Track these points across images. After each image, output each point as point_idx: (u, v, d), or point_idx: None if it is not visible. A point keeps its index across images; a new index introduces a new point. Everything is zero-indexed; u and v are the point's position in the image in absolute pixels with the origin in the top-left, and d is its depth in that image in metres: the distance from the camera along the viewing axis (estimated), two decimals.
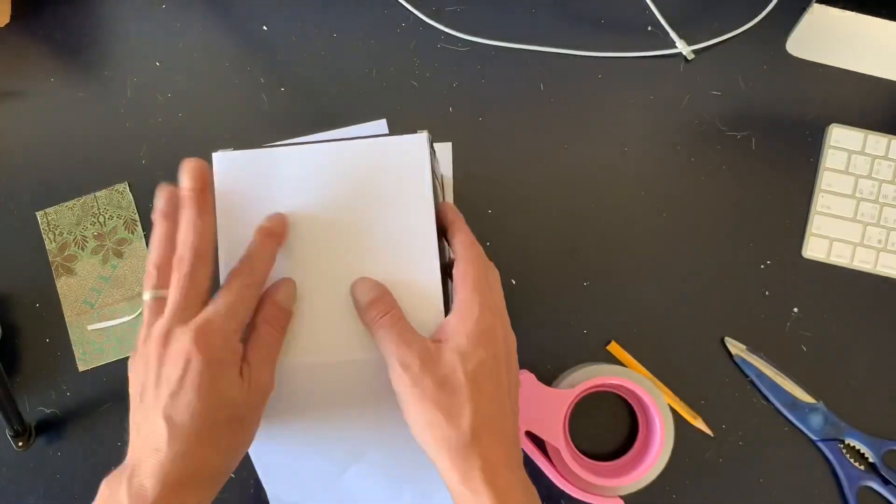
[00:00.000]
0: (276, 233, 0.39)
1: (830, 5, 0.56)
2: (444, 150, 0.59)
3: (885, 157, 0.57)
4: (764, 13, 0.59)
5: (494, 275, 0.42)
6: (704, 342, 0.57)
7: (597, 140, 0.59)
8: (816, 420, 0.54)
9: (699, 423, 0.55)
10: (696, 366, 0.56)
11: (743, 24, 0.59)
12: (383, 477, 0.46)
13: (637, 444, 0.55)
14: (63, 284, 0.59)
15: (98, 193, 0.60)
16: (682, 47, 0.59)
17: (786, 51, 0.59)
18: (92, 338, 0.58)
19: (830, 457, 0.54)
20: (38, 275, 0.59)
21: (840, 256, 0.57)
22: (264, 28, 0.62)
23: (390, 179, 0.41)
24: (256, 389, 0.37)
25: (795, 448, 0.55)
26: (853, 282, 0.57)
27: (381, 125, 0.58)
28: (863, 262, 0.57)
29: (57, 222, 0.60)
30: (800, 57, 0.59)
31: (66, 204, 0.60)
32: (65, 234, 0.60)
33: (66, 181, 0.60)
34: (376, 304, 0.39)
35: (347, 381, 0.42)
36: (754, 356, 0.55)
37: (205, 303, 0.37)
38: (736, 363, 0.56)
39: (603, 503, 0.51)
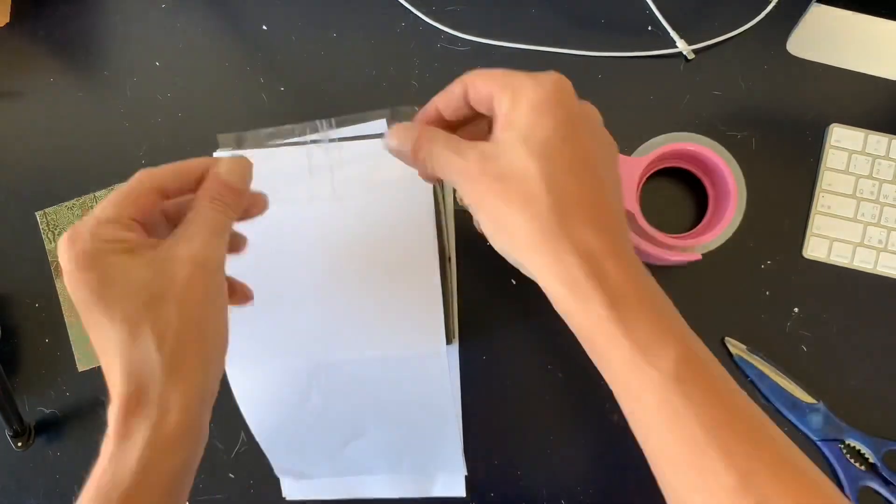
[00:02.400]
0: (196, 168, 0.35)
1: (831, 5, 0.56)
2: None
3: (886, 157, 0.57)
4: (764, 13, 0.59)
5: None
6: (705, 342, 0.56)
7: None
8: (816, 420, 0.54)
9: None
10: None
11: (743, 24, 0.59)
12: (384, 450, 0.47)
13: (707, 216, 0.56)
14: (63, 284, 0.59)
15: (98, 193, 0.60)
16: (682, 47, 0.59)
17: (786, 51, 0.59)
18: None
19: (830, 457, 0.54)
20: (38, 275, 0.59)
21: (840, 256, 0.57)
22: (264, 28, 0.62)
23: (390, 177, 0.41)
24: (185, 261, 0.32)
25: None
26: (853, 282, 0.57)
27: (381, 125, 0.58)
28: (863, 262, 0.56)
29: (57, 222, 0.60)
30: (800, 57, 0.59)
31: (66, 204, 0.60)
32: None
33: (66, 181, 0.60)
34: (420, 142, 0.33)
35: (347, 375, 0.42)
36: (754, 356, 0.55)
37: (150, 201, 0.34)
38: (736, 363, 0.56)
39: (682, 258, 0.53)
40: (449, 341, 0.41)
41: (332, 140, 0.43)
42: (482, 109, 0.34)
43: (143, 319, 0.31)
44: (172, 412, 0.31)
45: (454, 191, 0.59)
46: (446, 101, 0.35)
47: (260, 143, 0.43)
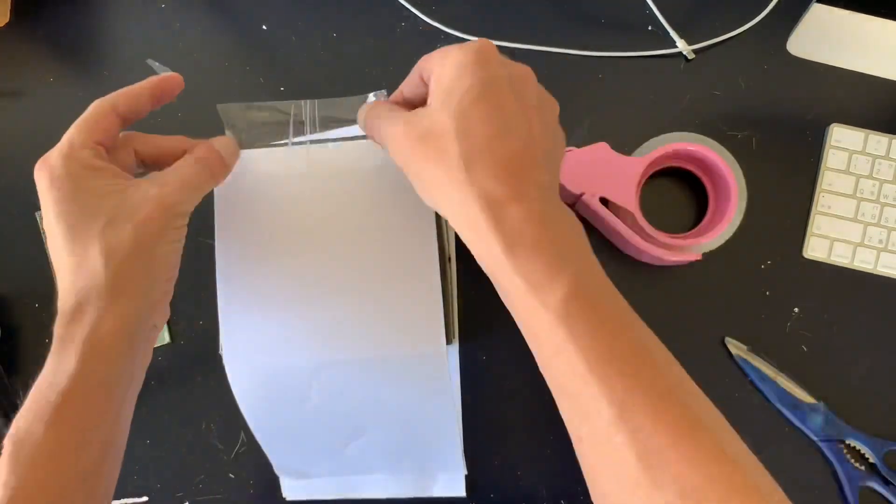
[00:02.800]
0: (163, 80, 0.39)
1: (831, 5, 0.56)
2: None
3: (886, 157, 0.57)
4: (764, 13, 0.59)
5: None
6: (704, 342, 0.57)
7: (596, 139, 0.59)
8: (816, 420, 0.54)
9: None
10: (696, 366, 0.56)
11: (743, 24, 0.59)
12: (384, 450, 0.47)
13: (707, 216, 0.56)
14: None
15: None
16: (682, 47, 0.59)
17: (786, 51, 0.59)
18: None
19: (831, 457, 0.54)
20: (38, 275, 0.59)
21: (841, 256, 0.57)
22: (264, 28, 0.62)
23: (389, 176, 0.41)
24: (151, 198, 0.34)
25: (795, 448, 0.55)
26: (854, 282, 0.57)
27: None
28: (863, 262, 0.56)
29: None
30: (800, 57, 0.59)
31: None
32: None
33: None
34: (369, 113, 0.37)
35: (347, 375, 0.42)
36: (755, 356, 0.55)
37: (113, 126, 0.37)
38: (736, 363, 0.56)
39: (682, 258, 0.53)
40: (449, 341, 0.41)
41: (333, 140, 0.43)
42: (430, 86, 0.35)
43: (96, 239, 0.33)
44: (108, 321, 0.33)
45: None
46: (408, 84, 0.38)
47: (244, 117, 0.43)
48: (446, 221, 0.48)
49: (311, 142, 0.44)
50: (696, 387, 0.31)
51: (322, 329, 0.41)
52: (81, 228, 0.33)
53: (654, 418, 0.29)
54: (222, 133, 0.49)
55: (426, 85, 0.35)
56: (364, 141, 0.42)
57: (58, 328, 0.34)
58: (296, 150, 0.42)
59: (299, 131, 0.42)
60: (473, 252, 0.32)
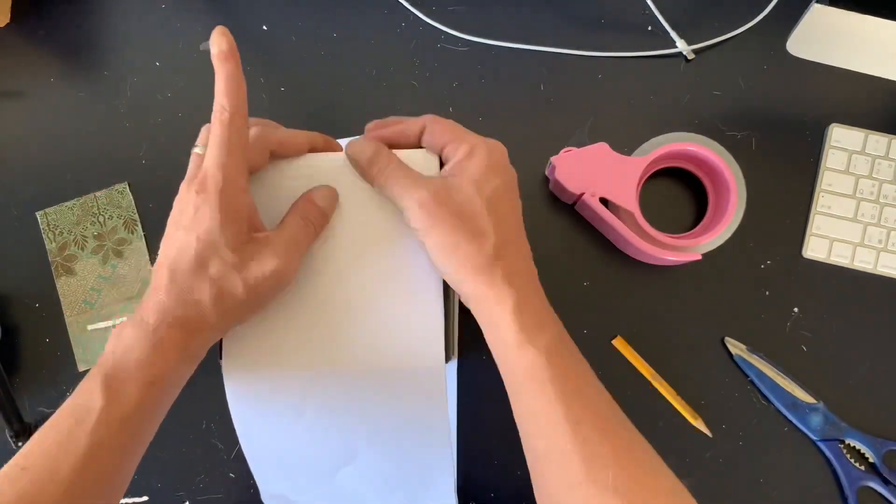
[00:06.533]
0: (227, 52, 0.39)
1: (831, 5, 0.56)
2: None
3: (886, 157, 0.57)
4: (764, 13, 0.59)
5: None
6: (704, 342, 0.57)
7: (596, 139, 0.59)
8: (816, 420, 0.54)
9: (699, 424, 0.55)
10: (696, 366, 0.56)
11: (743, 24, 0.59)
12: (375, 478, 0.46)
13: (707, 216, 0.57)
14: (63, 284, 0.59)
15: (98, 193, 0.60)
16: (682, 47, 0.59)
17: (786, 51, 0.59)
18: (92, 338, 0.58)
19: (830, 457, 0.54)
20: (38, 275, 0.59)
21: (840, 256, 0.57)
22: (264, 28, 0.62)
23: None
24: (266, 272, 0.37)
25: (795, 448, 0.55)
26: (853, 282, 0.57)
27: None
28: (863, 262, 0.56)
29: (57, 222, 0.60)
30: (800, 57, 0.59)
31: (66, 204, 0.60)
32: (65, 234, 0.60)
33: (66, 181, 0.60)
34: (377, 158, 0.40)
35: (341, 388, 0.42)
36: (754, 356, 0.55)
37: (243, 153, 0.38)
38: (736, 363, 0.56)
39: (682, 258, 0.53)
40: (448, 358, 0.41)
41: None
42: (431, 150, 0.41)
43: (214, 283, 0.36)
44: (204, 341, 0.38)
45: None
46: (402, 133, 0.42)
47: None
48: None
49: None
50: (633, 425, 0.39)
51: (321, 339, 0.40)
52: (214, 271, 0.36)
53: (601, 434, 0.36)
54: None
55: (415, 141, 0.41)
56: None
57: (177, 336, 0.36)
58: (309, 157, 0.42)
59: None
60: (478, 303, 0.39)
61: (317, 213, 0.40)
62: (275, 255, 0.37)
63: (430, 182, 0.39)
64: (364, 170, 0.40)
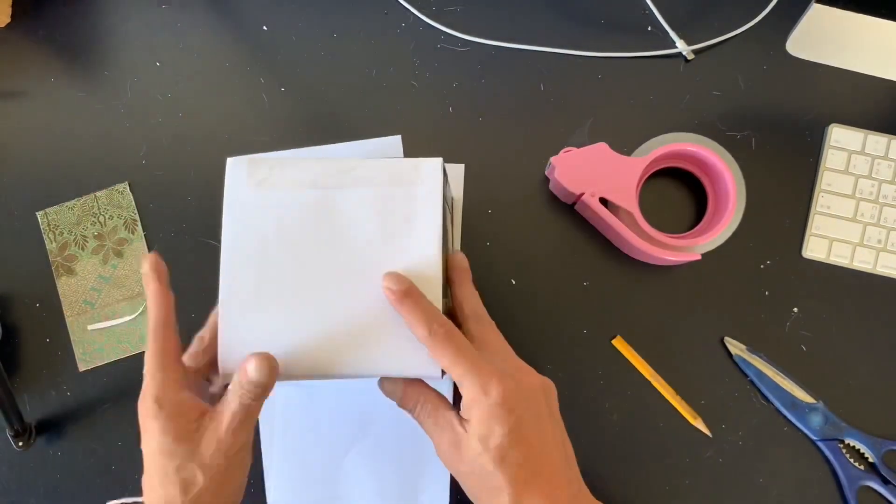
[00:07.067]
0: (149, 274, 0.41)
1: (830, 5, 0.56)
2: (457, 170, 0.58)
3: (885, 157, 0.57)
4: (764, 13, 0.59)
5: (494, 328, 0.43)
6: (704, 342, 0.57)
7: (596, 139, 0.59)
8: (816, 420, 0.54)
9: (699, 424, 0.55)
10: (696, 366, 0.56)
11: (743, 24, 0.59)
12: (378, 462, 0.47)
13: (707, 216, 0.57)
14: (63, 284, 0.59)
15: (98, 193, 0.60)
16: (682, 47, 0.59)
17: (786, 51, 0.59)
18: (92, 338, 0.58)
19: (830, 457, 0.54)
20: (38, 275, 0.59)
21: (840, 256, 0.57)
22: (264, 28, 0.62)
23: (401, 201, 0.41)
24: (214, 451, 0.38)
25: (795, 448, 0.55)
26: (853, 282, 0.57)
27: (395, 141, 0.57)
28: (863, 262, 0.57)
29: (57, 222, 0.60)
30: (800, 57, 0.59)
31: (66, 204, 0.60)
32: (65, 234, 0.60)
33: (66, 181, 0.60)
34: (407, 399, 0.41)
35: (340, 397, 0.42)
36: (754, 356, 0.56)
37: (177, 357, 0.40)
38: (736, 363, 0.56)
39: (682, 258, 0.53)
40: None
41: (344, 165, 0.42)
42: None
43: (178, 477, 0.38)
44: None
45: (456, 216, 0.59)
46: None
47: (270, 172, 0.42)
48: (452, 245, 0.48)
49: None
50: None
51: (319, 348, 0.40)
52: (172, 465, 0.38)
53: None
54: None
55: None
56: (378, 161, 0.41)
57: None
58: (309, 162, 0.42)
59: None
60: None
61: (249, 387, 0.39)
62: (214, 430, 0.39)
63: (447, 430, 0.39)
64: (397, 400, 0.42)
